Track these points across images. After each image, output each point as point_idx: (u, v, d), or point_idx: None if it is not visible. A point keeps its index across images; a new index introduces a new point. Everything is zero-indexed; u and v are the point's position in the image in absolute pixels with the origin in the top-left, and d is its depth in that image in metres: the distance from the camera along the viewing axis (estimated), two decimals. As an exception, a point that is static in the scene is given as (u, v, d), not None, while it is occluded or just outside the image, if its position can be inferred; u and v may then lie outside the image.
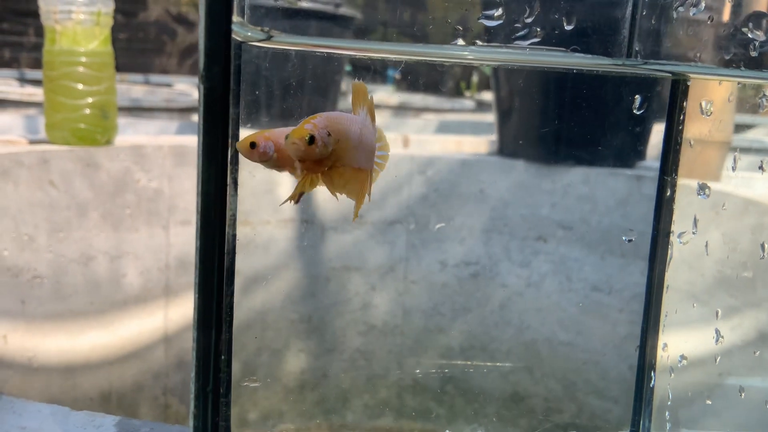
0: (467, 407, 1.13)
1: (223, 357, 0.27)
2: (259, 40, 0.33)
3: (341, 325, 1.16)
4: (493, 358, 1.12)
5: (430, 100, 2.78)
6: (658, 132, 1.13)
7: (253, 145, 0.34)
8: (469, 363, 1.12)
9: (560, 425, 1.09)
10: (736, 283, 0.79)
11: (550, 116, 1.11)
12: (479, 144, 1.37)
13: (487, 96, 3.00)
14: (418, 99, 2.73)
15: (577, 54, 0.36)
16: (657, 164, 1.16)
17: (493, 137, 1.27)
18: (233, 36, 0.25)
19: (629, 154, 1.10)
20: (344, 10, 1.27)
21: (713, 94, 0.53)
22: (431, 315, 1.15)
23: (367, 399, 1.15)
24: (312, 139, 0.34)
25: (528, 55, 0.37)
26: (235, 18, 0.25)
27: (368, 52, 0.35)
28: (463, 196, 1.14)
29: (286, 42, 0.35)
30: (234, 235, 0.30)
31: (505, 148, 1.21)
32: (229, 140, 0.27)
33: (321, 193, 0.46)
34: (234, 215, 0.30)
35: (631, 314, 1.05)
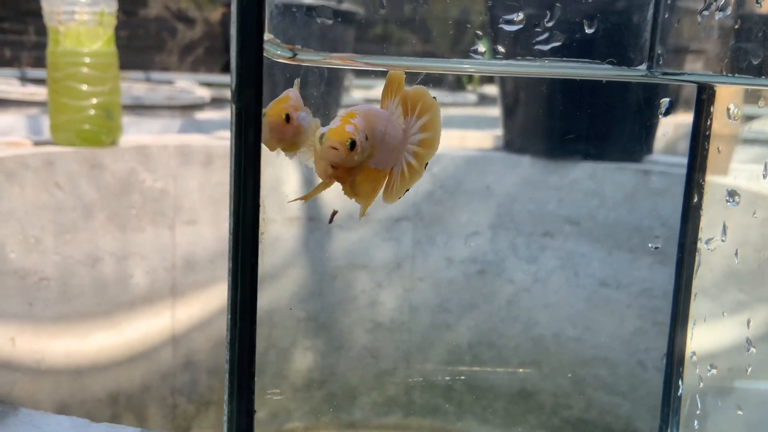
0: (475, 404, 1.13)
1: (255, 378, 0.26)
2: (286, 58, 0.32)
3: (348, 323, 1.16)
4: (500, 354, 1.12)
5: (431, 93, 2.76)
6: (665, 124, 1.13)
7: (288, 118, 0.30)
8: (474, 369, 1.12)
9: (569, 421, 1.09)
10: (746, 278, 0.78)
11: (556, 111, 1.11)
12: (484, 139, 1.36)
13: (489, 89, 2.99)
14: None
15: (606, 66, 0.35)
16: (664, 158, 1.16)
17: (499, 132, 1.26)
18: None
19: (636, 148, 1.10)
20: (347, 6, 1.26)
21: (723, 89, 0.53)
22: (438, 312, 1.14)
23: (375, 396, 1.15)
24: (353, 145, 0.30)
25: (556, 67, 0.36)
26: (266, 36, 0.24)
27: (395, 68, 0.34)
28: (469, 192, 1.14)
29: (312, 60, 0.34)
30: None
31: (511, 144, 1.21)
32: (261, 161, 0.27)
33: (327, 190, 0.45)
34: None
35: (640, 309, 1.04)
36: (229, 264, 0.27)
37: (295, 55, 0.33)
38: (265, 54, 0.24)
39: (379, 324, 1.15)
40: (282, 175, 0.94)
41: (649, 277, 1.04)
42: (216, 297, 1.12)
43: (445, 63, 0.39)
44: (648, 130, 1.09)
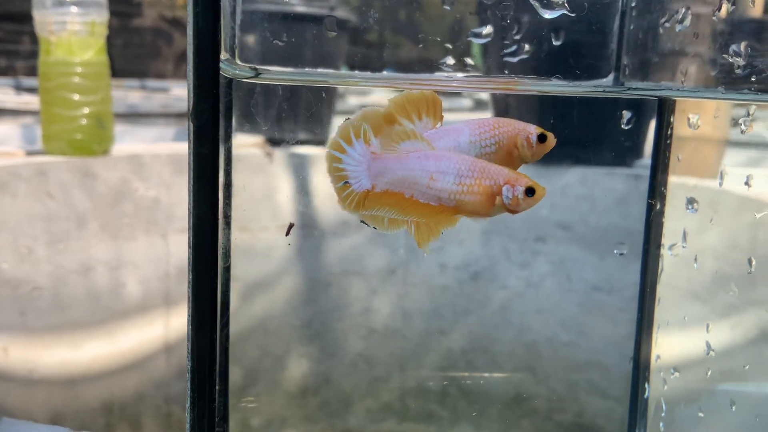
0: (469, 409, 1.13)
1: (218, 387, 0.27)
2: (248, 77, 0.32)
3: (342, 330, 1.16)
4: (494, 359, 1.12)
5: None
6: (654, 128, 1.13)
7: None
8: (468, 375, 1.12)
9: (563, 425, 1.09)
10: (733, 282, 0.78)
11: (546, 115, 1.11)
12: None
13: (483, 94, 2.98)
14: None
15: (560, 81, 0.36)
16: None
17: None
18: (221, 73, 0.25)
19: (627, 152, 1.10)
20: (339, 13, 1.26)
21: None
22: (432, 318, 1.15)
23: (370, 403, 1.15)
24: None
25: (527, 85, 0.37)
26: (222, 55, 0.25)
27: (356, 84, 0.34)
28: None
29: (274, 78, 0.35)
30: (227, 268, 0.30)
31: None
32: (220, 176, 0.27)
33: (320, 197, 0.45)
34: (227, 250, 0.29)
35: (632, 313, 1.04)
36: (189, 276, 0.27)
37: (258, 74, 0.33)
38: (222, 73, 0.24)
39: (373, 330, 1.15)
40: (275, 184, 0.94)
41: (641, 281, 1.04)
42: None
43: (414, 76, 0.39)
44: (637, 135, 1.09)
